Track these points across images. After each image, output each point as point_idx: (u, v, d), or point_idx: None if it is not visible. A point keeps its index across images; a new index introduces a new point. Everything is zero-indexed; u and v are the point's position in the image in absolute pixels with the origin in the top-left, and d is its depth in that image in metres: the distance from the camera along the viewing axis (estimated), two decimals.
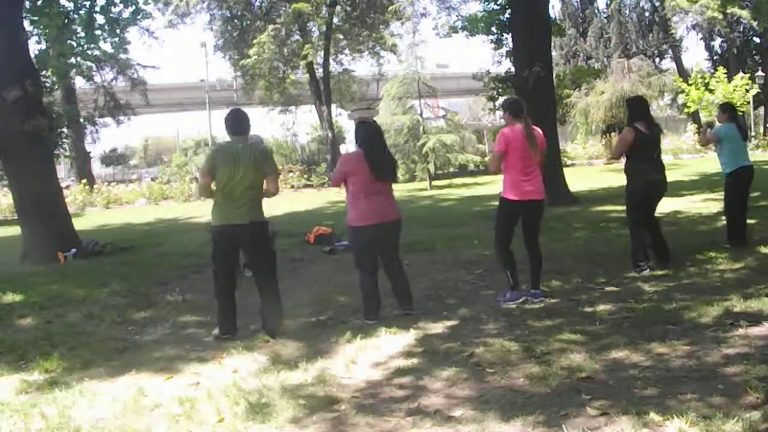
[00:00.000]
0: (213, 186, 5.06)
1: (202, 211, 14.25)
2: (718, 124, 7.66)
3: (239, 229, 5.04)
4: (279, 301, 5.24)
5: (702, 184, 14.37)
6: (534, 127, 5.64)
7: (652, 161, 6.39)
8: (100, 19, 11.57)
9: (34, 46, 11.56)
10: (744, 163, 7.25)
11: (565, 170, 15.44)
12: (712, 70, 33.35)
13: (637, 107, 6.60)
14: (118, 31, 11.73)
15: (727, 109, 7.49)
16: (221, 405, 3.70)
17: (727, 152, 7.26)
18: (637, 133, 6.28)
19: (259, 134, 8.27)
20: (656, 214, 6.81)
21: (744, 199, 7.35)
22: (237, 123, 5.20)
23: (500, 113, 8.25)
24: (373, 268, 5.44)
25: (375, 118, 22.81)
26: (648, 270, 6.28)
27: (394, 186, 5.67)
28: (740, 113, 27.51)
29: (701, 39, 38.78)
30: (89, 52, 11.77)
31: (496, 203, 5.89)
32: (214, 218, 5.16)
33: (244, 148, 5.08)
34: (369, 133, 5.52)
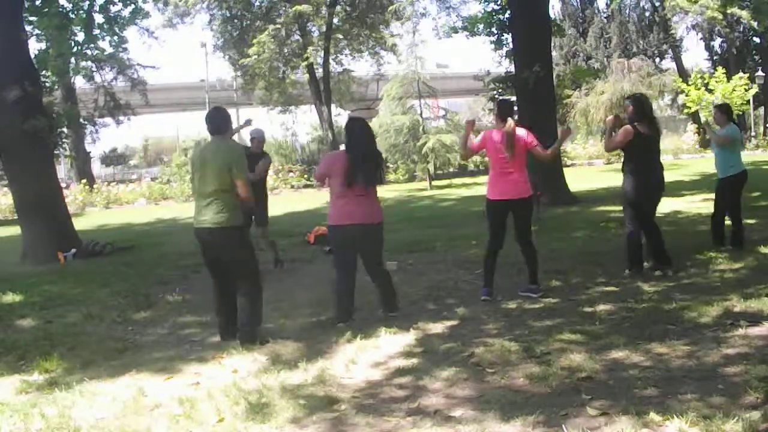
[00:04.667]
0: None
1: None
2: (716, 127, 7.49)
3: (202, 233, 4.93)
4: (255, 309, 4.93)
5: (702, 184, 14.32)
6: (521, 130, 5.61)
7: (650, 161, 6.29)
8: (98, 18, 11.59)
9: (34, 46, 11.58)
10: (743, 167, 7.20)
11: (565, 170, 15.41)
12: (712, 70, 33.31)
13: (640, 106, 6.45)
14: (116, 29, 11.74)
15: (726, 111, 7.33)
16: (221, 405, 3.70)
17: (729, 154, 7.17)
18: (635, 133, 6.23)
19: (261, 129, 8.09)
20: (657, 215, 6.77)
21: (736, 202, 7.27)
22: (210, 122, 5.01)
23: None
24: (347, 268, 5.35)
25: (375, 119, 22.88)
26: (633, 271, 6.23)
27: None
28: (738, 113, 27.56)
29: (701, 39, 38.73)
30: (88, 51, 11.77)
31: None
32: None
33: (216, 149, 4.92)
34: (358, 133, 5.39)
